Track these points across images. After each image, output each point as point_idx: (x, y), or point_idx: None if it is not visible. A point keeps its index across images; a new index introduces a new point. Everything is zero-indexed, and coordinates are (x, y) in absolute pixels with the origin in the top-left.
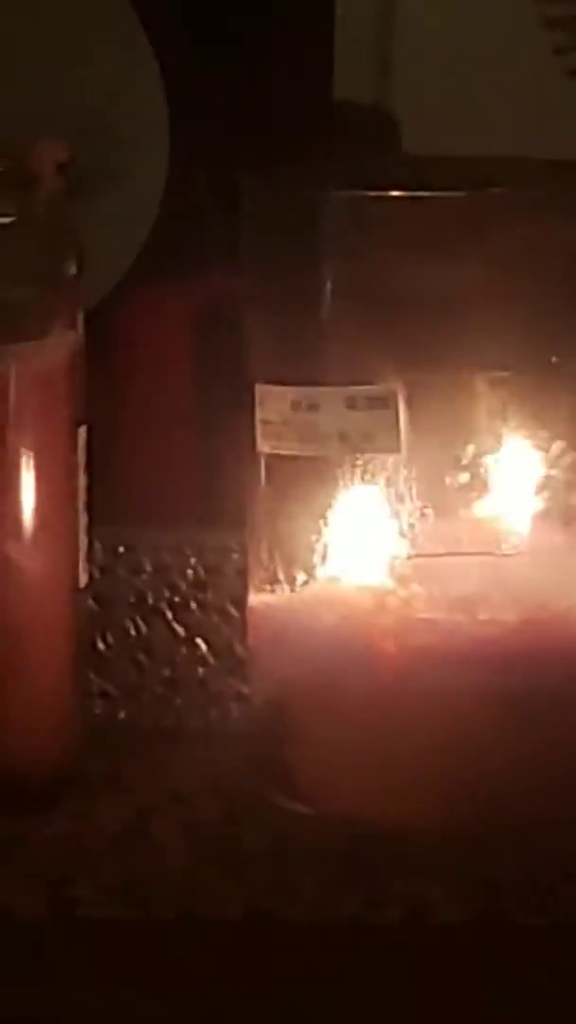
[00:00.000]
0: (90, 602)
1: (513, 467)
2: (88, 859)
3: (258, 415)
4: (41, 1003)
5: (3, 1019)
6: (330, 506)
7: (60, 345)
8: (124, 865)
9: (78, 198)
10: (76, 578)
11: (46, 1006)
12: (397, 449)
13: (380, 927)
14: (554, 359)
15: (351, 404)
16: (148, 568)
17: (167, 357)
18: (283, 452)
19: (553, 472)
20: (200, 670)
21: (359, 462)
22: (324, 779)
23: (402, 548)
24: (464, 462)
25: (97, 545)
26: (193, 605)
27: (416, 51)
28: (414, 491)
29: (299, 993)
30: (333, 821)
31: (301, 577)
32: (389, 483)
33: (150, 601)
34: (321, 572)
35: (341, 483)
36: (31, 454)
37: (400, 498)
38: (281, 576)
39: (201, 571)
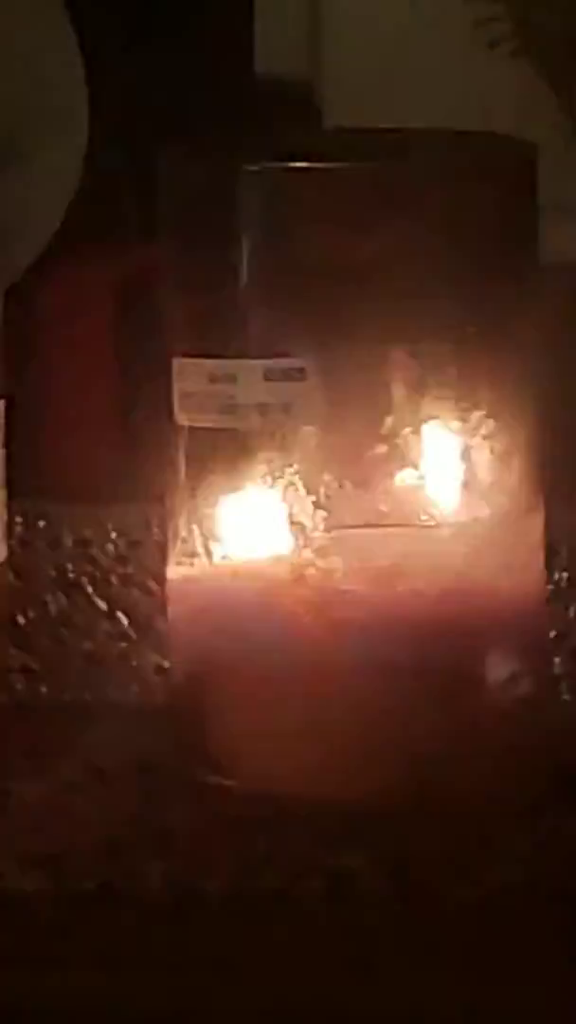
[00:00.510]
0: (10, 576)
1: (432, 438)
2: (8, 832)
3: (176, 388)
4: None
5: None
6: (249, 479)
7: None
8: (45, 838)
9: None
10: None
11: None
12: (315, 421)
13: (302, 899)
14: (471, 329)
15: (269, 376)
16: (68, 542)
17: (86, 331)
18: (202, 425)
19: (472, 442)
20: (121, 644)
21: (278, 434)
22: (245, 752)
23: (321, 520)
24: (383, 433)
25: (17, 519)
26: (114, 579)
27: (337, 24)
28: (333, 463)
29: (220, 965)
30: (254, 794)
31: (220, 550)
32: (308, 455)
33: (71, 575)
34: (240, 545)
35: (259, 455)
36: None
37: (319, 470)
38: (200, 549)
39: (122, 545)
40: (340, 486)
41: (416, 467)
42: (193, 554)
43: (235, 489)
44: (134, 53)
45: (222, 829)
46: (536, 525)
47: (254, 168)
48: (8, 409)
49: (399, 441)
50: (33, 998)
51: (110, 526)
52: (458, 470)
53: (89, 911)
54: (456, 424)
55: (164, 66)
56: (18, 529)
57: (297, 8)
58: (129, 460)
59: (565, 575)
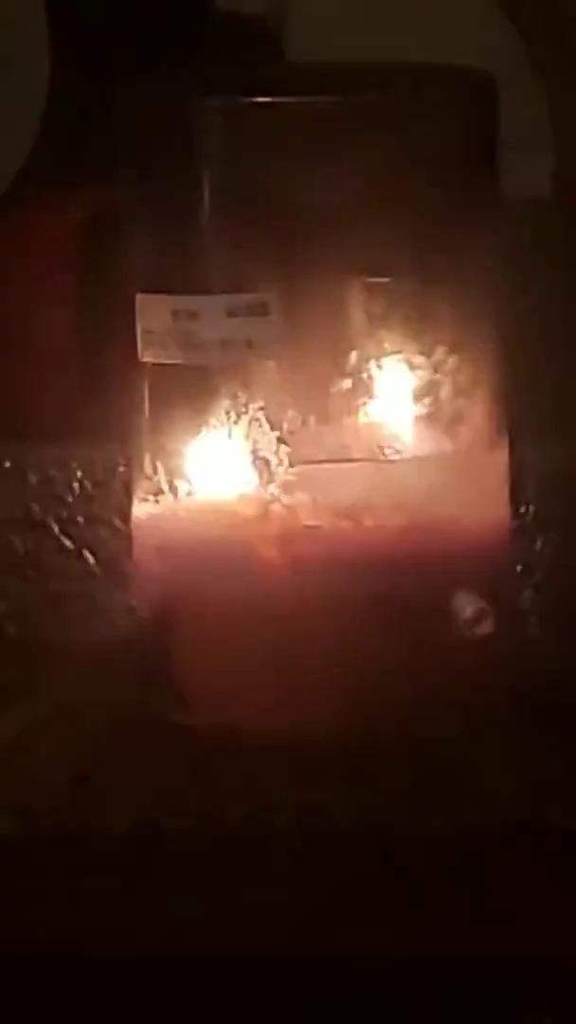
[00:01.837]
0: None
1: (395, 373)
2: None
3: (139, 325)
4: None
5: None
6: (213, 415)
7: None
8: (9, 778)
9: None
10: None
11: None
12: (278, 357)
13: (267, 836)
14: (433, 263)
15: (232, 312)
16: (33, 482)
17: (47, 269)
18: (165, 362)
19: (436, 377)
20: (88, 583)
21: (241, 370)
22: (211, 690)
23: (285, 456)
24: (346, 369)
25: None
26: (80, 518)
27: None
28: (297, 399)
29: (187, 903)
30: (219, 731)
31: (185, 487)
32: (271, 391)
33: (36, 515)
34: (205, 482)
35: (223, 392)
36: None
37: (282, 406)
38: (165, 487)
39: (87, 484)
40: (304, 422)
41: (380, 402)
42: (158, 492)
43: (199, 426)
44: None
45: (187, 766)
46: (501, 459)
47: (214, 103)
48: None
49: (363, 376)
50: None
51: (75, 465)
52: (422, 405)
53: (56, 850)
54: (419, 359)
55: (125, 1)
56: None
57: None
58: (93, 399)
59: (531, 508)
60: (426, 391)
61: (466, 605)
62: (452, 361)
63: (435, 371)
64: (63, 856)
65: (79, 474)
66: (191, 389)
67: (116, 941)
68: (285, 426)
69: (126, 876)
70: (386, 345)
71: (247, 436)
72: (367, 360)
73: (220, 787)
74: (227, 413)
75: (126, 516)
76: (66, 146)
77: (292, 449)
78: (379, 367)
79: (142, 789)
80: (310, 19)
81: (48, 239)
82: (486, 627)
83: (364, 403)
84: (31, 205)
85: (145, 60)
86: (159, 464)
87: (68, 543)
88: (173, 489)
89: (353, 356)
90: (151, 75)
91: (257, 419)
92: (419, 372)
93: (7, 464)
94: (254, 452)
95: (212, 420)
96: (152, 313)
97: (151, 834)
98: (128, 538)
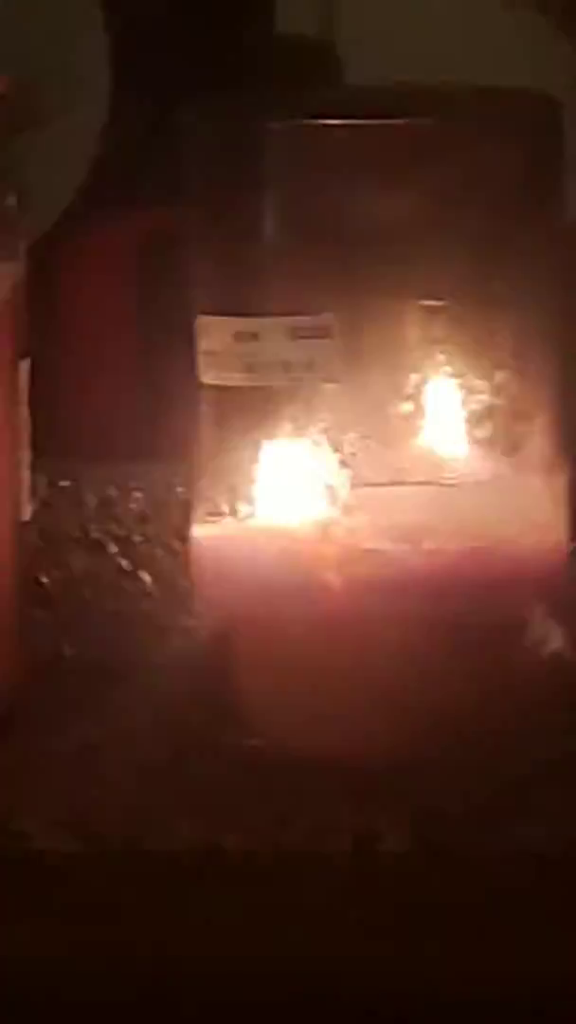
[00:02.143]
0: (34, 536)
1: (456, 396)
2: (34, 792)
3: (201, 346)
4: None
5: None
6: (274, 437)
7: (1, 278)
8: (70, 798)
9: (18, 131)
10: (19, 512)
11: None
12: (340, 379)
13: (327, 856)
14: (495, 286)
15: (293, 334)
16: (92, 502)
17: (109, 290)
18: (226, 383)
19: (496, 400)
20: (145, 603)
21: (302, 392)
22: (269, 711)
23: (346, 478)
24: (407, 391)
25: (41, 479)
26: (137, 539)
27: None
28: (357, 421)
29: (247, 923)
30: (279, 752)
31: (244, 509)
32: (332, 413)
33: (94, 535)
34: (264, 503)
35: (284, 414)
36: None
37: (344, 428)
38: (225, 508)
39: (145, 504)
40: (365, 444)
41: (440, 425)
42: (217, 513)
43: (259, 448)
44: (154, 9)
45: (247, 787)
46: (560, 482)
47: (276, 125)
48: (32, 368)
49: (423, 399)
50: (59, 952)
51: (133, 485)
52: (482, 428)
53: (116, 869)
54: (479, 382)
55: (185, 23)
56: (41, 489)
57: None
58: (153, 419)
59: None
60: (486, 414)
61: (526, 628)
62: (512, 385)
63: (495, 395)
64: (123, 875)
65: (137, 494)
66: (252, 411)
67: (174, 959)
68: (346, 448)
69: (185, 895)
70: (447, 368)
71: (308, 457)
72: (427, 383)
73: (279, 807)
74: (287, 434)
75: (184, 537)
76: (127, 167)
77: (353, 471)
78: (439, 390)
79: (202, 809)
80: (364, 43)
81: (110, 260)
82: (547, 649)
83: (424, 426)
84: (92, 225)
85: (208, 82)
86: (218, 485)
87: (126, 563)
88: (233, 511)
89: (414, 379)
90: (214, 97)
91: (318, 441)
92: (479, 395)
93: (65, 483)
94: (314, 474)
95: (272, 442)
96: (213, 334)
97: (211, 853)
98: (186, 559)
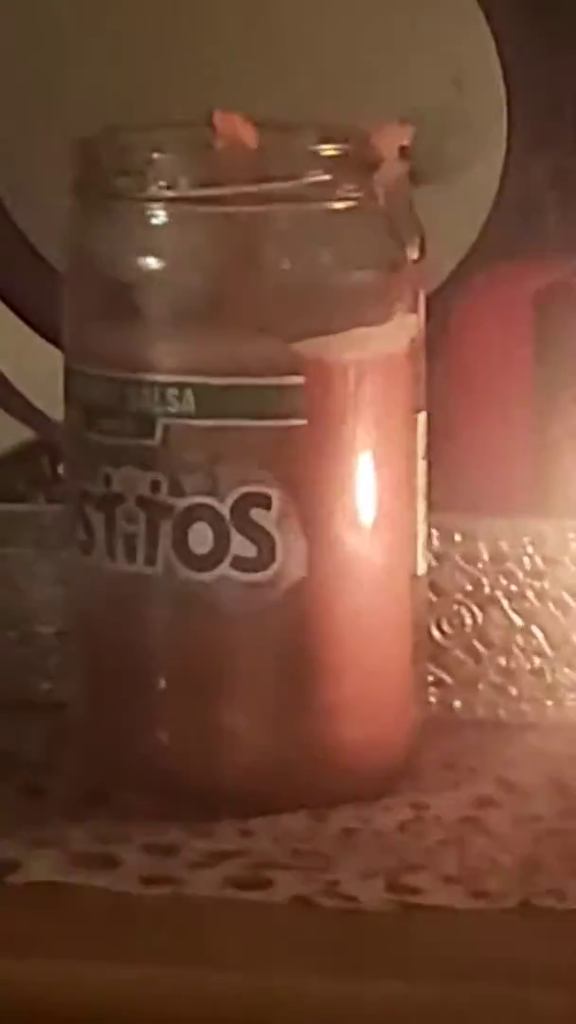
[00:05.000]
0: (427, 590)
1: None
2: (426, 849)
3: None
4: (377, 993)
5: (330, 1010)
6: None
7: (401, 330)
8: (462, 855)
9: (418, 183)
10: (414, 566)
11: (384, 995)
12: None
13: None
14: None
15: None
16: (485, 556)
17: (504, 341)
18: None
19: None
20: (536, 660)
21: None
22: None
23: None
24: None
25: (434, 532)
26: (530, 594)
27: None
28: None
29: None
30: None
31: None
32: None
33: (486, 590)
34: None
35: None
36: (371, 441)
37: None
38: None
39: (538, 560)
40: None
41: None
42: None
43: None
44: (554, 60)
45: None
46: None
47: None
48: (428, 421)
49: None
50: (450, 1012)
51: (527, 540)
52: None
53: (508, 927)
54: None
55: None
56: (435, 543)
57: None
58: (548, 473)
59: None
60: None
61: None
62: None
63: None
64: (515, 933)
65: (530, 548)
66: None
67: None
68: None
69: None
70: None
71: None
72: None
73: None
74: None
75: None
76: (525, 217)
77: None
78: None
79: None
80: None
81: (505, 310)
82: None
83: None
84: (488, 277)
85: None
86: None
87: (517, 619)
88: None
89: None
90: None
91: None
92: None
93: (458, 537)
94: None
95: None
96: None
97: None
98: None
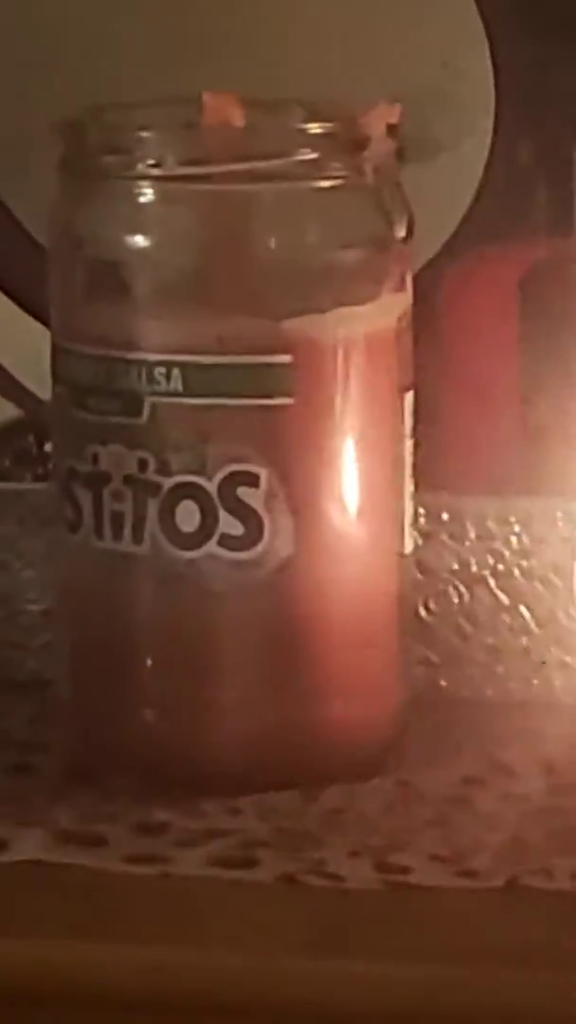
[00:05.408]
0: (414, 569)
1: None
2: (413, 828)
3: None
4: (363, 971)
5: (327, 992)
6: None
7: (389, 309)
8: (449, 834)
9: (405, 162)
10: (401, 544)
11: (369, 974)
12: None
13: None
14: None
15: None
16: (471, 535)
17: (492, 321)
18: None
19: None
20: (523, 639)
21: None
22: None
23: None
24: None
25: (421, 511)
26: (516, 572)
27: None
28: None
29: None
30: None
31: None
32: None
33: (473, 568)
34: None
35: None
36: (358, 420)
37: None
38: None
39: (525, 538)
40: None
41: None
42: None
43: None
44: (541, 43)
45: None
46: None
47: None
48: (415, 400)
49: None
50: (437, 992)
51: (514, 519)
52: None
53: (495, 906)
54: None
55: (572, 56)
56: (421, 521)
57: None
58: (533, 453)
59: None
60: None
61: None
62: None
63: None
64: (501, 912)
65: (517, 528)
66: None
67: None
68: None
69: (569, 933)
70: None
71: None
72: None
73: None
74: None
75: (564, 571)
76: (513, 199)
77: None
78: None
79: None
80: None
81: (492, 290)
82: None
83: None
84: (475, 257)
85: None
86: None
87: (504, 597)
88: None
89: None
90: None
91: None
92: None
93: (445, 516)
94: None
95: None
96: None
97: None
98: (566, 594)
